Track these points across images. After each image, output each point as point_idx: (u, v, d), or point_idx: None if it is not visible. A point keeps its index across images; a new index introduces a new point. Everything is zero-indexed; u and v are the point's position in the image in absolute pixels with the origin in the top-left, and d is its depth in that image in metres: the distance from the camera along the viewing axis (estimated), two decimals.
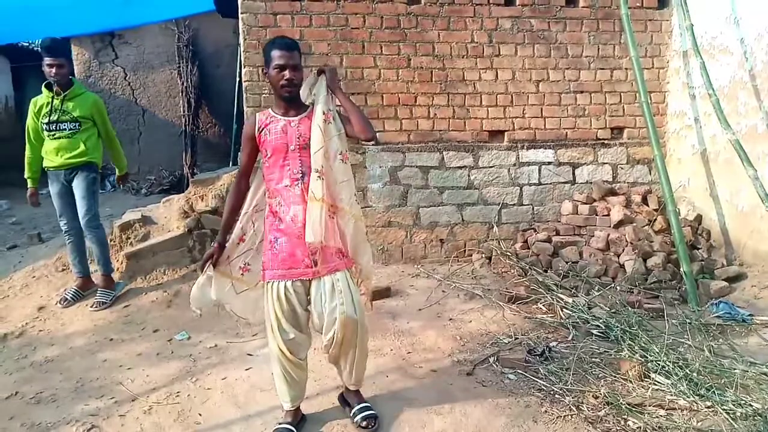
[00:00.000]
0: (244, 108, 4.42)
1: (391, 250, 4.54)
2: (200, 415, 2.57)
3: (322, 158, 2.21)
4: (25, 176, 3.90)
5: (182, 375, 2.96)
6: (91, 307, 3.80)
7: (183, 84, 7.23)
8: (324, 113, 2.26)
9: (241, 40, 4.40)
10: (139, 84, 7.41)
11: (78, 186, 3.83)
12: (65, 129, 3.78)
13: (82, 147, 3.80)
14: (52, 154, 3.80)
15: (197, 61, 7.28)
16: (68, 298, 3.85)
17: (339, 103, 2.38)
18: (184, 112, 7.28)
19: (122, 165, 4.16)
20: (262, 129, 2.28)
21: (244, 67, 4.33)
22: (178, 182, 7.18)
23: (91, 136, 3.88)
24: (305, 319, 2.31)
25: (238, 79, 6.37)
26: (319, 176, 2.20)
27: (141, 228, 4.42)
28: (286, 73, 2.21)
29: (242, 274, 2.41)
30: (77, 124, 3.80)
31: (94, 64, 7.29)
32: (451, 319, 3.55)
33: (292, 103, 2.29)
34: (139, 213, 4.60)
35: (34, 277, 4.16)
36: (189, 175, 6.87)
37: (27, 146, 3.87)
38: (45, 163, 3.85)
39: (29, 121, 3.83)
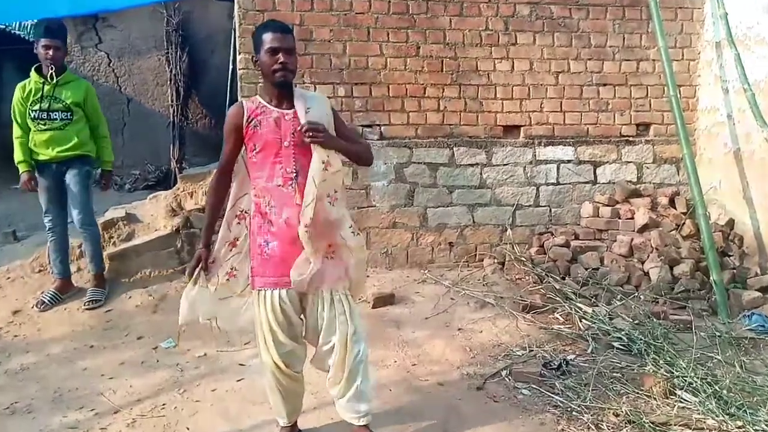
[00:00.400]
0: (239, 98, 4.44)
1: (396, 253, 4.55)
2: (188, 429, 2.59)
3: (311, 212, 2.17)
4: (17, 161, 3.86)
5: (169, 386, 2.98)
6: (85, 305, 3.87)
7: (172, 71, 7.24)
8: (323, 162, 2.20)
9: (236, 25, 4.43)
10: (124, 71, 7.44)
11: (72, 181, 3.87)
12: (56, 119, 3.81)
13: (75, 139, 3.84)
14: (43, 146, 3.82)
15: (187, 47, 7.29)
16: (46, 301, 3.88)
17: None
18: (172, 101, 7.30)
19: (109, 159, 4.14)
20: (251, 119, 2.23)
21: (239, 54, 4.36)
22: (165, 177, 7.19)
23: (84, 127, 3.93)
24: (300, 329, 2.32)
25: (231, 67, 6.38)
26: (306, 230, 2.17)
27: (125, 227, 4.45)
28: (280, 57, 2.17)
29: (228, 280, 2.38)
30: (69, 113, 3.83)
31: (76, 48, 7.32)
32: (460, 329, 3.57)
33: (285, 91, 2.25)
34: (123, 210, 4.62)
35: (8, 278, 4.18)
36: (177, 169, 6.88)
37: (16, 129, 3.85)
38: (34, 156, 3.85)
39: (17, 106, 3.82)
